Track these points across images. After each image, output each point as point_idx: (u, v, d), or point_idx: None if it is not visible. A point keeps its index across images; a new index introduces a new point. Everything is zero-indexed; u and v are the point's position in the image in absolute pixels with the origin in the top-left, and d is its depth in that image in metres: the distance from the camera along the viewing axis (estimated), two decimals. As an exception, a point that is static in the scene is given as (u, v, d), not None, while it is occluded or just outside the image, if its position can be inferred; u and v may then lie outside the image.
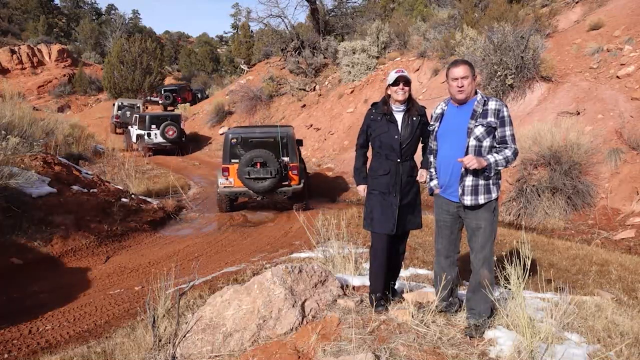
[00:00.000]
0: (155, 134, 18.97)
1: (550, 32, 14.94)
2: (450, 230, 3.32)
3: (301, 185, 10.07)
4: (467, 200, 3.14)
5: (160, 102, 29.84)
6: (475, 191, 3.13)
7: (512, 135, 3.14)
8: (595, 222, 8.77)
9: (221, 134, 20.50)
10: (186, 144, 20.47)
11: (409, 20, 23.66)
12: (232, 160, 9.84)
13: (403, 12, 26.98)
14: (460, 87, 3.13)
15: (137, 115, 20.52)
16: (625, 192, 8.95)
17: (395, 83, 3.31)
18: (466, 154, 3.11)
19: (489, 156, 3.08)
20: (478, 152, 3.11)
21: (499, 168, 3.12)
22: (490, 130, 3.11)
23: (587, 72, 12.28)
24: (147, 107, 28.51)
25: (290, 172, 9.91)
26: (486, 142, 3.11)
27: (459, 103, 3.22)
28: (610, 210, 8.87)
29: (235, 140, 10.04)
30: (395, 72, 3.33)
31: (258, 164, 9.49)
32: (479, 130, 3.10)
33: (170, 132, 18.96)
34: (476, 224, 3.18)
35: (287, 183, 9.89)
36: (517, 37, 12.65)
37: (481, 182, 3.13)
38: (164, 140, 19.00)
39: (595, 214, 8.95)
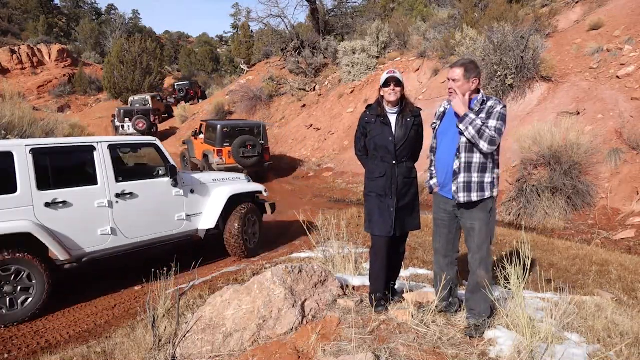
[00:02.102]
0: (128, 125, 21.79)
1: (550, 32, 14.95)
2: (448, 230, 3.32)
3: (272, 162, 14.70)
4: (461, 197, 3.15)
5: (174, 96, 32.36)
6: (468, 188, 3.13)
7: (496, 128, 3.07)
8: (595, 222, 8.77)
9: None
10: (155, 134, 22.93)
11: (409, 20, 23.67)
12: (224, 144, 13.30)
13: (403, 12, 27.00)
14: (450, 90, 3.21)
15: (118, 109, 23.15)
16: (625, 192, 8.95)
17: (386, 84, 3.31)
18: (458, 151, 3.13)
19: (471, 114, 3.08)
20: (470, 149, 3.12)
21: (470, 129, 3.05)
22: None
23: (587, 72, 12.29)
24: (163, 101, 30.65)
25: (265, 152, 13.95)
26: (456, 125, 3.14)
27: None
28: (610, 210, 8.87)
29: (226, 129, 13.49)
30: (387, 73, 3.33)
31: (249, 146, 13.31)
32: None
33: (140, 125, 21.66)
34: (471, 223, 3.18)
35: (264, 160, 13.91)
36: (517, 37, 12.66)
37: (474, 179, 3.13)
38: (135, 132, 21.57)
39: (595, 214, 8.95)
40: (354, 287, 3.86)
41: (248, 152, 13.22)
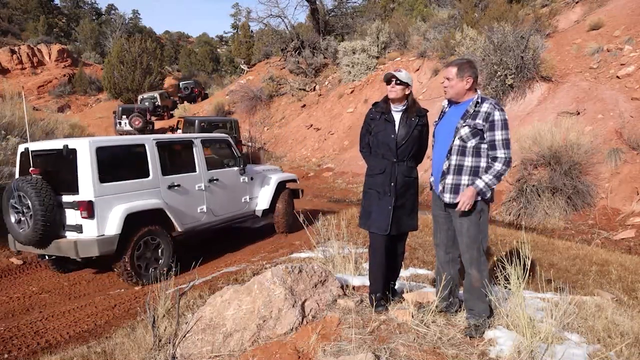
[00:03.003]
0: (125, 122, 22.89)
1: (550, 32, 14.96)
2: (447, 226, 3.32)
3: (243, 152, 15.81)
4: (447, 197, 3.15)
5: (179, 94, 33.90)
6: (455, 190, 3.12)
7: (504, 140, 3.02)
8: (595, 222, 8.77)
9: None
10: (152, 132, 24.31)
11: (409, 20, 23.67)
12: None
13: (403, 12, 27.00)
14: (445, 88, 3.22)
15: (118, 107, 24.48)
16: (625, 192, 8.95)
17: (388, 82, 3.32)
18: (449, 152, 3.12)
19: (478, 182, 3.05)
20: (461, 152, 3.10)
21: (494, 187, 3.08)
22: (476, 132, 3.05)
23: (587, 72, 12.29)
24: (170, 98, 31.90)
25: (237, 144, 15.32)
26: (470, 144, 3.08)
27: (455, 102, 3.23)
28: (610, 210, 8.87)
29: (203, 124, 15.64)
30: (392, 71, 3.34)
31: None
32: (464, 131, 3.07)
33: (137, 122, 22.58)
34: (460, 223, 3.17)
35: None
36: (517, 37, 12.66)
37: (463, 182, 3.12)
38: (131, 128, 22.58)
39: (595, 214, 8.95)
40: (354, 287, 3.86)
41: None
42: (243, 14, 53.86)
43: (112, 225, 5.47)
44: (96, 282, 6.16)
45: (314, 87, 24.23)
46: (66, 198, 5.51)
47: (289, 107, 23.47)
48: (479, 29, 15.90)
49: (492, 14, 16.54)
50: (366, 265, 4.34)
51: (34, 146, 5.87)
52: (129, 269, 5.62)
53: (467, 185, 3.10)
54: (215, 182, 6.88)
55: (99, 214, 5.41)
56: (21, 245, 5.77)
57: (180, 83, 35.94)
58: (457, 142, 3.10)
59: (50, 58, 40.19)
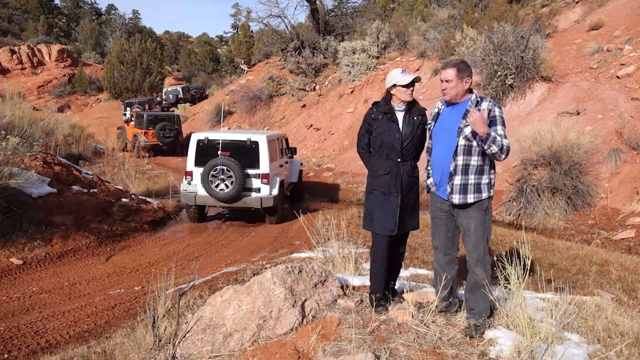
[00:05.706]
0: (127, 113, 25.69)
1: (550, 32, 14.95)
2: (446, 228, 3.31)
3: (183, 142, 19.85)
4: (456, 198, 3.14)
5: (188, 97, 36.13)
6: (464, 190, 3.12)
7: (504, 135, 3.10)
8: (595, 222, 8.77)
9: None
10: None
11: (409, 20, 23.66)
12: (149, 128, 19.64)
13: (403, 12, 27.00)
14: (444, 90, 3.19)
15: (123, 101, 27.75)
16: (625, 192, 8.95)
17: (408, 85, 3.30)
18: (455, 153, 3.12)
19: (492, 131, 3.01)
20: (468, 152, 3.10)
21: (493, 147, 2.99)
22: None
23: (587, 72, 12.28)
24: (189, 91, 34.64)
25: (178, 134, 20.31)
26: (476, 142, 3.10)
27: (451, 103, 3.23)
28: (610, 210, 8.87)
29: (150, 117, 19.83)
30: (402, 73, 3.30)
31: (167, 129, 19.50)
32: (469, 130, 3.08)
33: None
34: (467, 223, 3.17)
35: (177, 140, 20.09)
36: (517, 37, 12.65)
37: (471, 181, 3.12)
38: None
39: (595, 214, 8.95)
40: (354, 287, 3.86)
41: (166, 133, 19.49)
42: (243, 14, 53.78)
43: (275, 188, 8.86)
44: (96, 282, 6.16)
45: (314, 87, 24.23)
46: (250, 171, 8.70)
47: (289, 107, 23.47)
48: (479, 29, 15.89)
49: (492, 14, 16.52)
50: (366, 265, 4.34)
51: (217, 136, 8.80)
52: (280, 216, 9.10)
53: (475, 184, 3.11)
54: (288, 162, 10.62)
55: (271, 181, 8.78)
56: (203, 201, 8.80)
57: (190, 87, 38.03)
58: (462, 141, 3.10)
59: (50, 58, 40.21)
